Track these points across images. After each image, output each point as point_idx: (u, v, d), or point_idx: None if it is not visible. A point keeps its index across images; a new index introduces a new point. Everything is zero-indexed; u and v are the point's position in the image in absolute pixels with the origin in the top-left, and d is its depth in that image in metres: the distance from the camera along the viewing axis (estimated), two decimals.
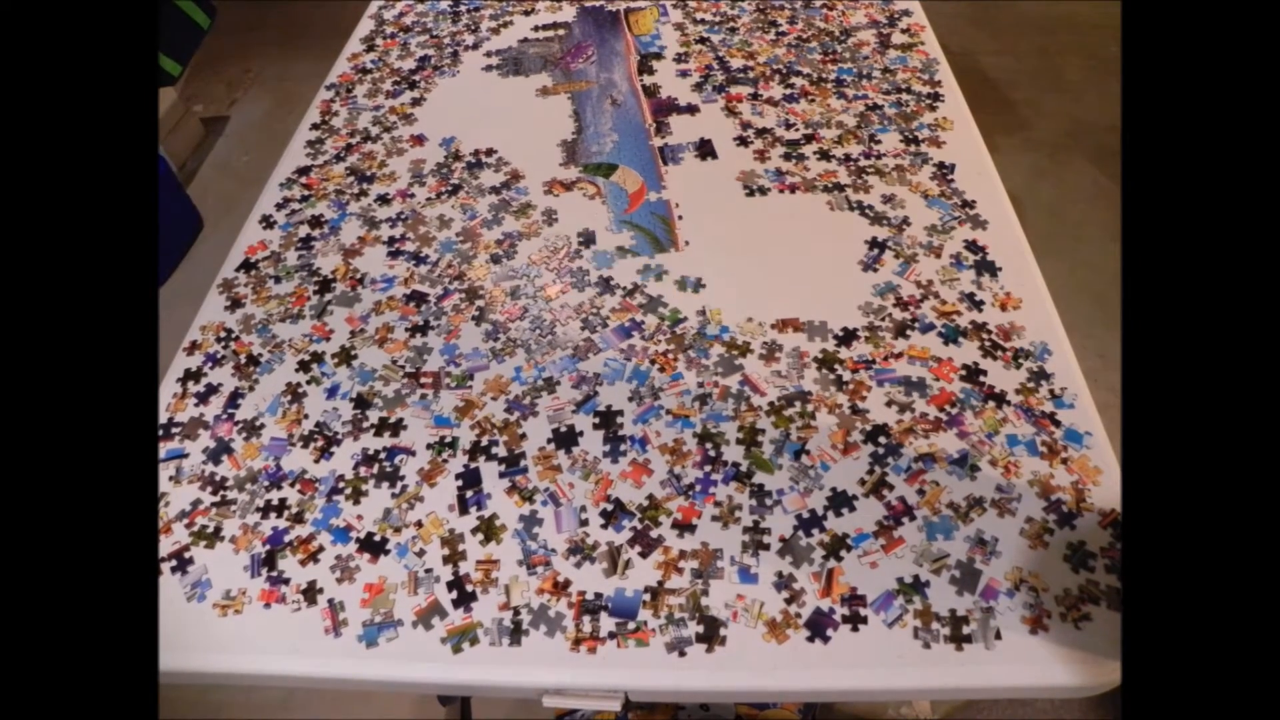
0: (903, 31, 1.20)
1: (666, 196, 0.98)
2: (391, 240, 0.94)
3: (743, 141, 1.03)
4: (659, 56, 1.19)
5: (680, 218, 0.95)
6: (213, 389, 0.81)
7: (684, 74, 1.14)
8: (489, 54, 1.21)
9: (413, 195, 0.99)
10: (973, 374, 0.77)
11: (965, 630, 0.61)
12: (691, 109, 1.09)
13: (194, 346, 0.85)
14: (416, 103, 1.13)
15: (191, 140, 2.32)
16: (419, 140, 1.07)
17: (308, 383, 0.80)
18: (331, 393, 0.79)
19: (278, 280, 0.91)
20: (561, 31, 1.26)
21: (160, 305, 0.84)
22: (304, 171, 1.04)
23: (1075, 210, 1.89)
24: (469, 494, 0.71)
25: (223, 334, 0.86)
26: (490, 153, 1.04)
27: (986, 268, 0.86)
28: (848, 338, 0.80)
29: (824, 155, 1.00)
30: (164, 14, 1.99)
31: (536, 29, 1.26)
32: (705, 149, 1.03)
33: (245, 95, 2.51)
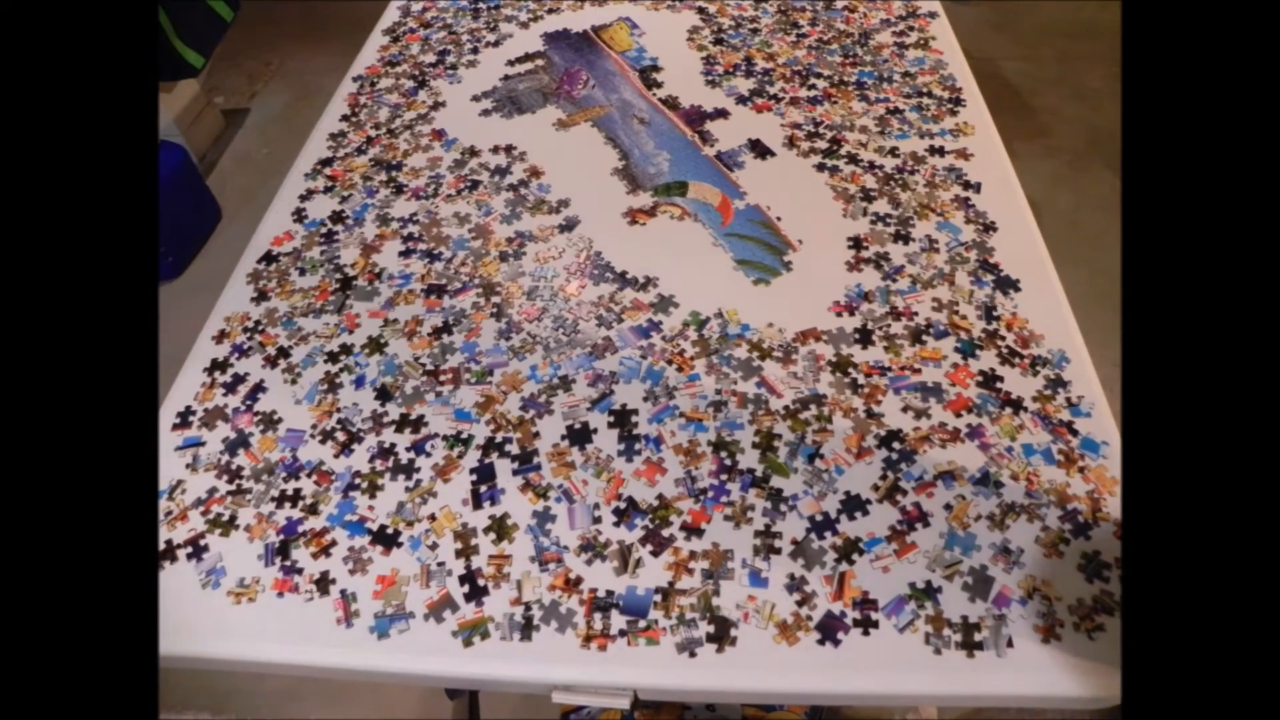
0: (922, 35, 1.19)
1: (753, 201, 0.95)
2: (410, 236, 0.94)
3: (790, 142, 1.02)
4: (657, 68, 1.16)
5: (779, 219, 0.93)
6: (240, 379, 0.81)
7: (707, 73, 1.14)
8: (476, 98, 1.13)
9: (432, 191, 1.00)
10: (989, 380, 0.76)
11: (977, 637, 0.61)
12: (723, 113, 1.07)
13: (222, 335, 0.86)
14: (436, 106, 1.13)
15: (212, 132, 2.34)
16: (438, 135, 1.08)
17: (339, 372, 0.81)
18: (359, 383, 0.80)
19: (302, 273, 0.91)
20: (540, 62, 1.19)
21: (179, 295, 0.86)
22: (327, 163, 1.05)
23: (1095, 218, 1.88)
24: (483, 489, 0.71)
25: (249, 324, 0.87)
26: (510, 149, 1.05)
27: (1005, 283, 0.85)
28: (863, 339, 0.80)
29: (852, 159, 0.99)
30: (188, 6, 2.01)
31: (511, 63, 1.20)
32: (759, 148, 1.02)
33: (266, 88, 2.53)
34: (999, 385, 0.76)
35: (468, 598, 0.65)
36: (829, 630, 0.62)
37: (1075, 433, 0.73)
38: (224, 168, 2.27)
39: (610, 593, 0.64)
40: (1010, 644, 0.61)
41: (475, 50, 1.22)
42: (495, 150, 1.04)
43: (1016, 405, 0.75)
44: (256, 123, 2.41)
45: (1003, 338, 0.80)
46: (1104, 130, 2.07)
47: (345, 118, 1.12)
